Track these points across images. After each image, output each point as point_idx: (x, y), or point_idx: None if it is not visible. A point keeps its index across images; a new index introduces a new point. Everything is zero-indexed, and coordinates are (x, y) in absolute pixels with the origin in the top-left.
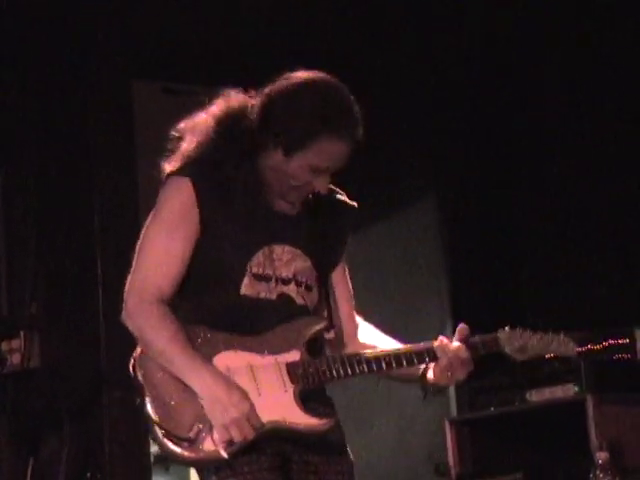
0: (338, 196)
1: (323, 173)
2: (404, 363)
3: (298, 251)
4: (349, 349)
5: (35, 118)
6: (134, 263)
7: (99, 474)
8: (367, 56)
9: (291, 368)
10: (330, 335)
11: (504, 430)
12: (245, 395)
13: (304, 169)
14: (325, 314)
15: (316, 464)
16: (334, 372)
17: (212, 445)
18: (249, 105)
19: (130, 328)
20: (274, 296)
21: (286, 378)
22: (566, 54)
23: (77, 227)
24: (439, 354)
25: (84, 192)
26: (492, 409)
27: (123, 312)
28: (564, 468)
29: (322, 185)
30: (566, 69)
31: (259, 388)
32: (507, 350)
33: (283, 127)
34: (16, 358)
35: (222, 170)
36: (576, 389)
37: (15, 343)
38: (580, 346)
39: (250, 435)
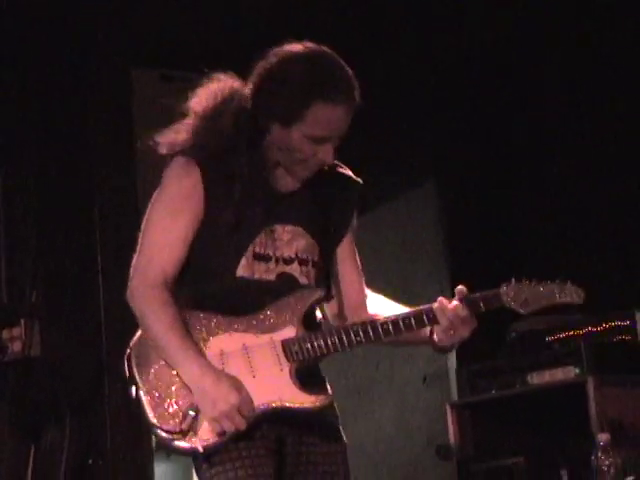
0: (343, 171)
1: (326, 142)
2: (402, 328)
3: (299, 229)
4: (357, 320)
5: (35, 110)
6: (139, 243)
7: (101, 461)
8: (369, 46)
9: (286, 345)
10: (333, 310)
11: (505, 413)
12: (234, 385)
13: (305, 140)
14: (327, 289)
15: (311, 445)
16: (330, 345)
17: (205, 434)
18: (241, 87)
19: (132, 309)
20: (272, 276)
21: (281, 356)
22: (566, 54)
23: (77, 220)
24: (438, 315)
25: (84, 187)
26: (493, 392)
27: (127, 291)
28: (565, 450)
29: (327, 155)
30: (566, 68)
31: (253, 370)
32: (510, 304)
33: (277, 101)
34: (17, 346)
35: (224, 154)
36: (577, 371)
37: (16, 331)
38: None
39: (242, 425)
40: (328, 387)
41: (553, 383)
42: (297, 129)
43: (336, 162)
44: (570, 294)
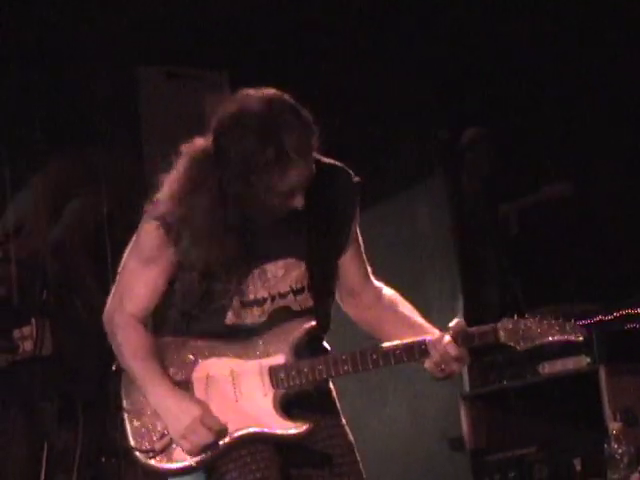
0: (342, 175)
1: (294, 194)
2: (392, 362)
3: (291, 260)
4: (370, 317)
5: (41, 110)
6: (114, 286)
7: (114, 459)
8: (377, 40)
9: (273, 372)
10: (347, 306)
11: (517, 404)
12: (197, 401)
13: (273, 197)
14: (321, 311)
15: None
16: (317, 373)
17: (180, 455)
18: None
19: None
20: (265, 317)
21: (267, 382)
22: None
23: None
24: (430, 350)
25: (92, 185)
26: (505, 383)
27: (103, 315)
28: (578, 440)
29: (297, 203)
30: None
31: (237, 394)
32: (506, 341)
33: (237, 171)
34: (28, 345)
35: (196, 211)
36: (588, 360)
37: (27, 330)
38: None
39: (207, 438)
40: (333, 409)
41: (565, 373)
42: (262, 193)
43: (333, 164)
44: (569, 333)
